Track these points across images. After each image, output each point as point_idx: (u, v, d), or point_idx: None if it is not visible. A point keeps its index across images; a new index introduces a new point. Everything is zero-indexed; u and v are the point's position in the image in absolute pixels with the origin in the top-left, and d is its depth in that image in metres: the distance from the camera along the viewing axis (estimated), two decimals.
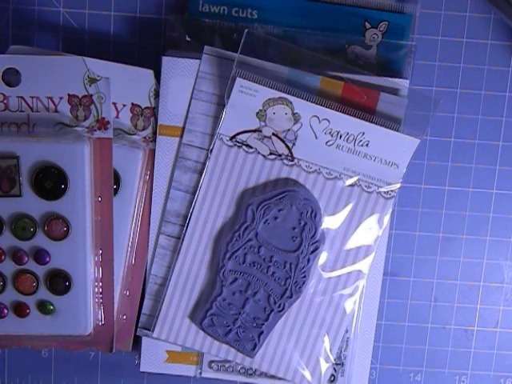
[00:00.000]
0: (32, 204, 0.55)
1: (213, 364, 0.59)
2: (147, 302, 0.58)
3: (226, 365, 0.59)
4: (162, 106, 0.56)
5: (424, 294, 0.61)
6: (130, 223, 0.57)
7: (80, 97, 0.55)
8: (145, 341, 0.59)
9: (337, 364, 0.58)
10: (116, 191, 0.57)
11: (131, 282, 0.58)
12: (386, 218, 0.56)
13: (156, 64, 0.56)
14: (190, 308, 0.57)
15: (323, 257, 0.56)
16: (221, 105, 0.56)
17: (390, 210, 0.56)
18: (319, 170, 0.55)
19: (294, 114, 0.55)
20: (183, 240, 0.56)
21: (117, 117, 0.57)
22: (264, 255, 0.55)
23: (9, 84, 0.55)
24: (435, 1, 0.58)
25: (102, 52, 0.58)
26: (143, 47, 0.58)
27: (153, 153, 0.57)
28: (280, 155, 0.55)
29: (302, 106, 0.54)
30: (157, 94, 0.56)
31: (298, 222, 0.55)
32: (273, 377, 0.58)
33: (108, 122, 0.56)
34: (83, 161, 0.55)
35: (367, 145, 0.55)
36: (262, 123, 0.55)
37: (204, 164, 0.56)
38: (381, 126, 0.55)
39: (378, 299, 0.58)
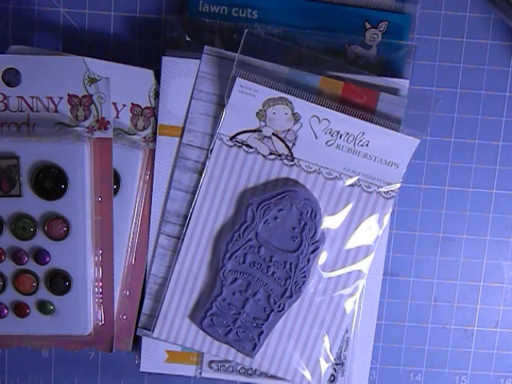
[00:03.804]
0: (32, 204, 0.55)
1: (213, 364, 0.59)
2: (147, 302, 0.58)
3: (226, 365, 0.59)
4: (162, 105, 0.56)
5: (424, 294, 0.61)
6: (129, 223, 0.57)
7: (80, 97, 0.55)
8: (145, 341, 0.59)
9: (337, 364, 0.58)
10: (116, 191, 0.57)
11: (131, 282, 0.58)
12: (386, 218, 0.56)
13: (156, 64, 0.56)
14: (190, 308, 0.57)
15: (323, 257, 0.56)
16: (221, 105, 0.56)
17: (390, 210, 0.56)
18: (319, 170, 0.55)
19: (293, 114, 0.55)
20: (183, 240, 0.56)
21: (117, 117, 0.57)
22: (264, 255, 0.55)
23: (9, 84, 0.55)
24: (435, 1, 0.58)
25: (102, 52, 0.58)
26: (143, 47, 0.58)
27: (153, 153, 0.57)
28: (280, 155, 0.55)
29: (301, 106, 0.54)
30: (157, 94, 0.56)
31: (298, 222, 0.55)
32: (273, 377, 0.58)
33: (108, 122, 0.56)
34: (83, 161, 0.55)
35: (367, 145, 0.55)
36: (262, 123, 0.55)
37: (204, 164, 0.56)
38: (381, 126, 0.55)
39: (377, 299, 0.58)
